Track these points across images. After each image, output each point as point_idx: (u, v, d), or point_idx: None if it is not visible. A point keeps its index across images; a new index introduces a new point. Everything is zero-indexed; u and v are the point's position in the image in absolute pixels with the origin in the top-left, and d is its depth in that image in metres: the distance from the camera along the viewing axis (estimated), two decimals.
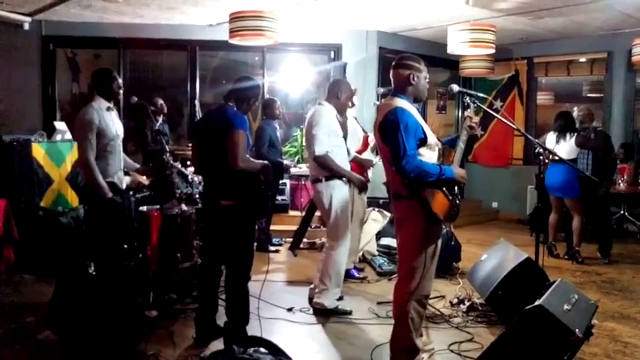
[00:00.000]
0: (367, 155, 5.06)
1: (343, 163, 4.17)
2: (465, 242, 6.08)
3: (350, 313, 4.17)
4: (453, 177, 2.90)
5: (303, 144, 7.49)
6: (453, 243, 5.30)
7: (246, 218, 3.45)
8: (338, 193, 4.13)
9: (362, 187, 4.43)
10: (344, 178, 4.16)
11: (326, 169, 4.08)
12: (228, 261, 3.54)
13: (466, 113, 3.19)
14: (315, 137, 4.03)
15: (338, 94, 4.23)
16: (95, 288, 3.47)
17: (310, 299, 4.35)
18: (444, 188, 2.89)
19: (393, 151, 2.84)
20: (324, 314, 4.13)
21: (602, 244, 6.11)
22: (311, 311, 4.22)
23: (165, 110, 6.73)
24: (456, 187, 2.99)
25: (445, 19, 6.63)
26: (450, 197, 2.92)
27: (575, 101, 9.93)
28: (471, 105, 3.19)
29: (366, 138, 5.18)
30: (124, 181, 4.11)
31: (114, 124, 3.94)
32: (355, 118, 5.34)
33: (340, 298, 4.35)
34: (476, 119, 3.16)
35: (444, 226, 3.18)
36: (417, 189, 2.84)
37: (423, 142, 2.91)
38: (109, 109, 3.94)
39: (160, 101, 6.63)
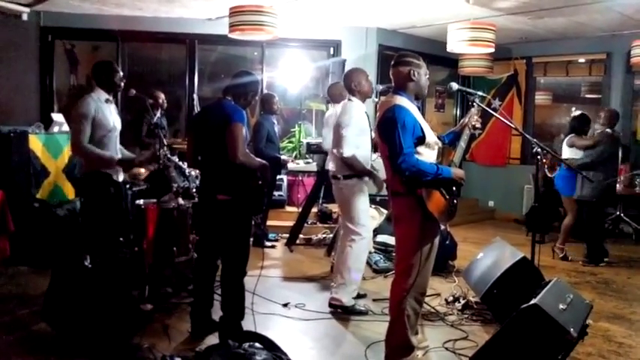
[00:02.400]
0: None
1: (366, 161, 4.12)
2: (461, 241, 6.09)
3: (367, 313, 4.13)
4: (451, 177, 2.89)
5: (302, 139, 7.53)
6: (448, 242, 5.30)
7: (242, 213, 3.45)
8: (357, 188, 4.13)
9: (381, 187, 4.34)
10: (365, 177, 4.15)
11: (351, 169, 4.08)
12: (224, 256, 3.54)
13: (472, 110, 3.18)
14: (345, 138, 4.01)
15: (357, 85, 4.16)
16: (90, 281, 3.46)
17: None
18: (441, 187, 2.88)
19: (390, 149, 2.84)
20: (340, 311, 4.09)
21: (589, 246, 6.03)
22: (306, 307, 4.22)
23: (165, 106, 6.71)
24: (454, 187, 2.97)
25: (445, 17, 6.62)
26: (447, 197, 2.92)
27: (574, 102, 9.95)
28: (475, 105, 3.19)
29: None
30: (121, 174, 4.10)
31: (111, 115, 3.92)
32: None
33: (361, 296, 4.36)
34: (479, 122, 3.16)
35: (441, 225, 3.17)
36: (414, 186, 2.83)
37: (421, 140, 2.90)
38: (107, 101, 3.92)
39: (162, 96, 6.60)
